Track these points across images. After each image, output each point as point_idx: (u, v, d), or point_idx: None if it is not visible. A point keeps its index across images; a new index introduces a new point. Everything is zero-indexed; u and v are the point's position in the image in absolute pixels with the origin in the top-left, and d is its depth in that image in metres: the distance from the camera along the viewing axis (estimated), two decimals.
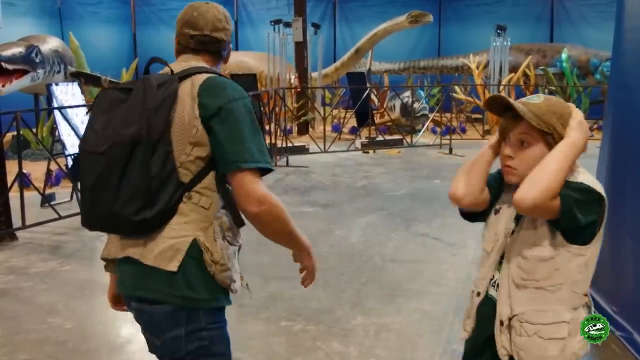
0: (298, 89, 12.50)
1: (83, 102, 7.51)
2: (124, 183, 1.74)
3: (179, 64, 1.93)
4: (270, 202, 1.78)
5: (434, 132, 12.71)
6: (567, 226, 1.69)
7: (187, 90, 1.82)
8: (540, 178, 1.64)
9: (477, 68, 14.05)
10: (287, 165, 9.46)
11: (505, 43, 13.60)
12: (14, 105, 7.17)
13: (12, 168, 6.07)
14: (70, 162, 7.04)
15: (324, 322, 3.87)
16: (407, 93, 12.54)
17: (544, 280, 1.76)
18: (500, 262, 1.86)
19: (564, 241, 1.73)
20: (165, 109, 1.77)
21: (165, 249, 1.78)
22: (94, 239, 5.38)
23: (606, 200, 1.73)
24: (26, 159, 8.42)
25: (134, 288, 1.86)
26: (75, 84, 7.93)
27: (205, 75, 1.85)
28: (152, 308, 1.83)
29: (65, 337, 3.69)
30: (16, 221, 5.76)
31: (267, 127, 10.04)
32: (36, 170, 7.92)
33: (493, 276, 1.89)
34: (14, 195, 5.80)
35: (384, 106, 13.06)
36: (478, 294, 1.92)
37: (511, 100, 1.77)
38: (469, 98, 13.61)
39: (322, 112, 12.21)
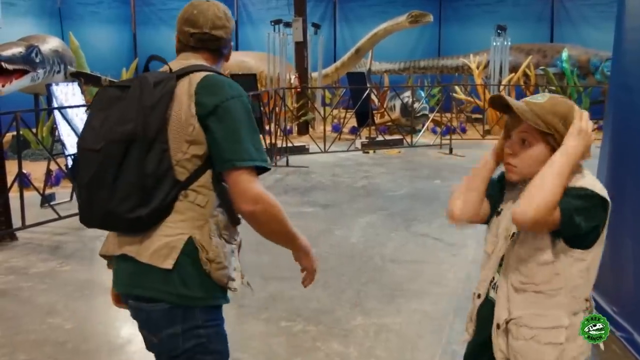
0: (298, 89, 12.50)
1: (83, 102, 7.50)
2: (120, 181, 1.74)
3: (179, 62, 1.93)
4: (266, 202, 1.78)
5: (434, 132, 12.70)
6: (569, 234, 1.68)
7: (185, 88, 1.81)
8: (537, 195, 1.62)
9: (478, 68, 14.05)
10: (287, 165, 9.46)
11: (505, 43, 13.60)
12: (14, 105, 7.17)
13: (12, 168, 6.07)
14: (70, 162, 7.03)
15: (324, 323, 3.86)
16: (407, 93, 12.54)
17: (543, 285, 1.74)
18: (500, 265, 1.85)
19: (564, 246, 1.71)
20: (162, 106, 1.77)
21: (160, 247, 1.79)
22: (94, 239, 5.38)
23: (610, 204, 1.70)
24: (26, 159, 8.42)
25: (130, 286, 1.87)
26: (75, 84, 7.93)
27: (203, 74, 1.85)
28: (149, 306, 1.83)
29: (65, 338, 3.69)
30: (16, 221, 5.76)
31: (267, 127, 10.05)
32: (36, 170, 7.92)
33: (493, 278, 1.87)
34: (13, 196, 5.80)
35: (384, 106, 13.06)
36: (479, 296, 1.91)
37: (510, 99, 1.75)
38: (469, 98, 13.61)
39: (322, 112, 12.21)
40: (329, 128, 11.90)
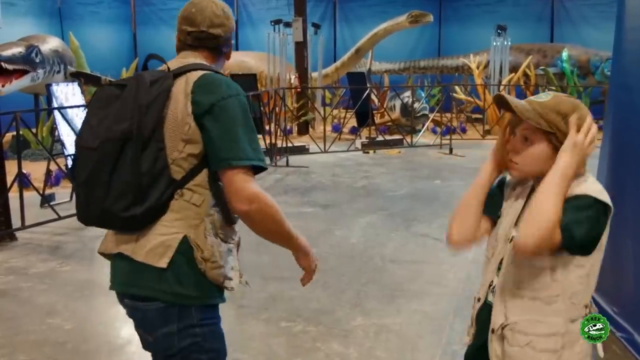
0: (298, 89, 12.50)
1: (83, 102, 7.50)
2: (115, 179, 1.75)
3: (177, 61, 1.93)
4: (262, 201, 1.78)
5: (434, 132, 12.70)
6: (571, 247, 1.64)
7: (182, 87, 1.81)
8: (537, 221, 1.59)
9: (478, 68, 14.04)
10: (287, 165, 9.45)
11: (505, 43, 13.60)
12: (14, 105, 7.17)
13: (11, 168, 6.06)
14: (70, 163, 7.03)
15: (324, 323, 3.86)
16: (408, 93, 12.54)
17: (540, 291, 1.71)
18: (499, 268, 1.81)
19: (563, 252, 1.67)
20: (158, 105, 1.77)
21: (156, 246, 1.79)
22: (93, 239, 5.37)
23: (612, 208, 1.66)
24: (26, 159, 8.41)
25: (126, 285, 1.87)
26: (75, 84, 7.93)
27: (200, 72, 1.85)
28: (145, 305, 1.83)
29: (64, 338, 3.68)
30: (16, 221, 5.75)
31: (267, 127, 10.04)
32: (36, 170, 7.91)
33: (492, 282, 1.84)
34: (13, 196, 5.79)
35: (384, 106, 13.05)
36: (478, 299, 1.89)
37: (510, 98, 1.73)
38: (469, 98, 13.61)
39: (322, 112, 12.20)
40: (329, 128, 11.90)
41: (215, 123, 1.77)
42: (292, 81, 12.70)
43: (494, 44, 13.57)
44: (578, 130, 1.67)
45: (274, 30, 13.00)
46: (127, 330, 3.67)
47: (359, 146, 11.03)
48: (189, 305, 1.83)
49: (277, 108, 10.27)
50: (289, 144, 10.03)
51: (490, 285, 1.85)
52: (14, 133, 6.37)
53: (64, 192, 7.15)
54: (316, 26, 13.72)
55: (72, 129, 6.92)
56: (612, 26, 3.93)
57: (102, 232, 1.96)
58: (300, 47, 12.77)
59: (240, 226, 1.93)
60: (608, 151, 3.83)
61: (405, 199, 7.35)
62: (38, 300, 4.28)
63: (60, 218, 6.11)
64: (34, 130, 8.34)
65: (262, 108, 10.28)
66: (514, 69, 13.69)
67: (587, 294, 1.74)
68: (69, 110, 7.04)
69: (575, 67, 13.96)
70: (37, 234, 5.85)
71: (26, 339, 3.68)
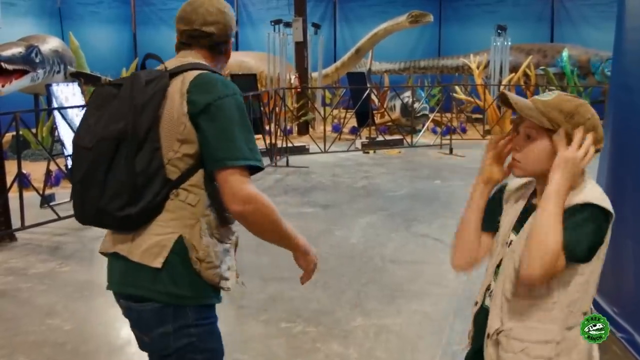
0: (298, 89, 12.49)
1: (83, 102, 7.50)
2: (110, 179, 1.75)
3: (176, 60, 1.93)
4: (258, 202, 1.77)
5: (434, 132, 12.70)
6: (572, 262, 1.62)
7: (178, 87, 1.81)
8: (539, 250, 1.55)
9: (478, 68, 14.04)
10: (287, 165, 9.45)
11: (505, 43, 13.60)
12: (14, 105, 7.17)
13: (11, 168, 6.06)
14: (70, 163, 7.03)
15: (324, 324, 3.86)
16: (408, 93, 12.54)
17: (537, 297, 1.68)
18: (497, 272, 1.79)
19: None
20: (154, 105, 1.77)
21: (151, 246, 1.79)
22: (93, 240, 5.36)
23: (613, 215, 1.63)
24: (26, 160, 8.42)
25: (122, 285, 1.87)
26: (75, 84, 7.93)
27: (196, 72, 1.84)
28: (140, 306, 1.83)
29: (64, 339, 3.68)
30: (15, 222, 5.75)
31: (267, 127, 10.04)
32: (36, 170, 7.91)
33: (490, 285, 1.82)
34: (13, 196, 5.79)
35: (384, 106, 13.05)
36: (476, 303, 1.87)
37: (511, 96, 1.71)
38: (469, 98, 13.60)
39: (322, 112, 12.20)
40: (329, 128, 11.89)
41: (211, 123, 1.77)
42: (292, 81, 12.70)
43: (494, 44, 13.57)
44: (569, 144, 1.62)
45: (274, 30, 13.01)
46: (126, 330, 3.65)
47: (359, 146, 11.03)
48: (184, 306, 1.82)
49: (277, 108, 10.27)
50: (289, 144, 10.03)
51: (487, 289, 1.83)
52: (14, 133, 6.37)
53: (63, 193, 7.13)
54: (316, 26, 13.72)
55: (72, 129, 6.91)
56: (612, 26, 3.93)
57: (102, 232, 1.95)
58: (300, 47, 12.77)
59: (238, 226, 1.92)
60: (608, 151, 3.82)
61: (405, 199, 7.35)
62: (37, 301, 4.28)
63: (60, 218, 6.10)
64: (34, 130, 8.34)
65: (262, 108, 10.28)
66: (514, 69, 13.69)
67: (586, 302, 1.70)
68: (69, 111, 7.04)
69: (575, 67, 13.97)
70: (37, 234, 5.84)
71: (26, 339, 3.68)
